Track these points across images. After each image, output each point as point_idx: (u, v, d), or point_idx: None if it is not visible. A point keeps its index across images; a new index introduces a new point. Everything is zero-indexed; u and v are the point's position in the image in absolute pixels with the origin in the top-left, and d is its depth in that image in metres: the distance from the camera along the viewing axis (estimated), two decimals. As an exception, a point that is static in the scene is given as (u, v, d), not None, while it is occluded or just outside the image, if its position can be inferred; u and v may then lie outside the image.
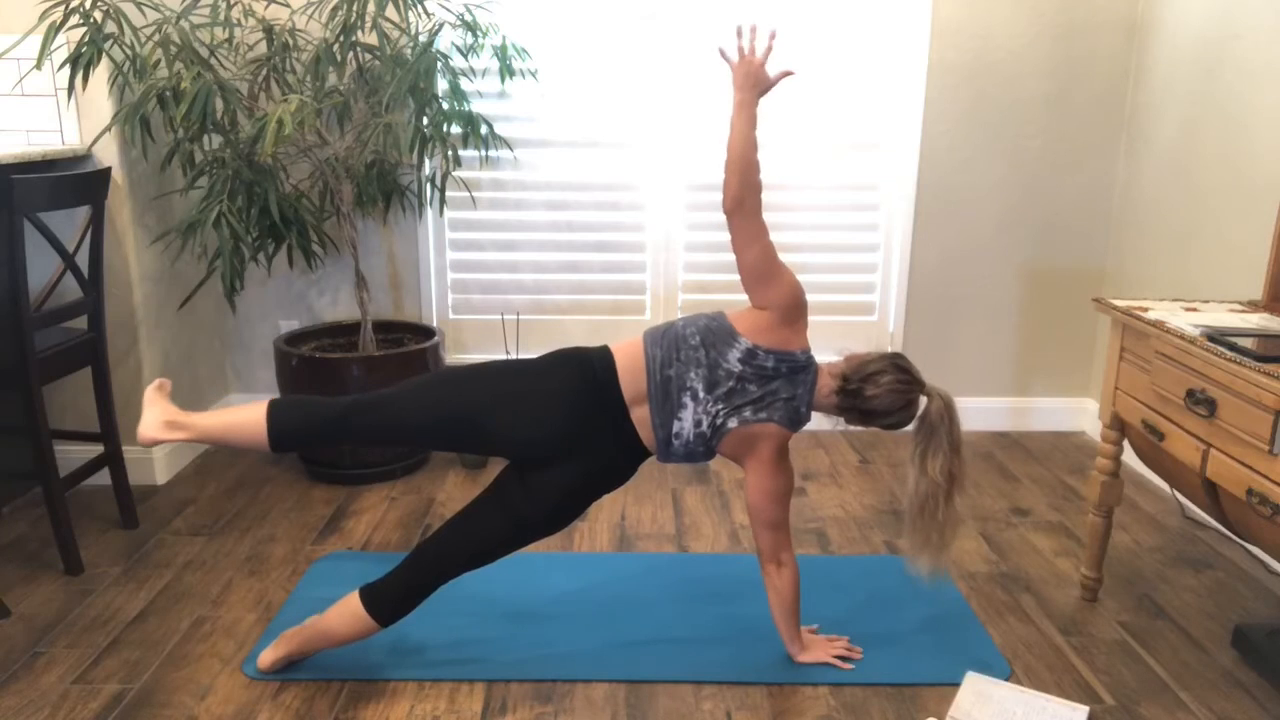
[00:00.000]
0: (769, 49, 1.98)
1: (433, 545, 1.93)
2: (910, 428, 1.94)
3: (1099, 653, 2.17)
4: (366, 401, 1.88)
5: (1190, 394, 1.90)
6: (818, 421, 2.01)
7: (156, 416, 1.86)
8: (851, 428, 2.02)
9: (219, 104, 2.69)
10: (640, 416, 1.90)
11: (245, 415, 1.87)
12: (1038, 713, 1.91)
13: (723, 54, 2.04)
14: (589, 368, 1.89)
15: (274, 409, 1.86)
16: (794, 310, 1.90)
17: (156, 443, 1.86)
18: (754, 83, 1.95)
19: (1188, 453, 1.94)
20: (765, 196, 1.95)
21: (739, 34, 2.01)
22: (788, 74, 2.02)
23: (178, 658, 2.10)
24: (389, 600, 1.92)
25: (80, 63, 2.53)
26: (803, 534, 2.74)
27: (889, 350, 1.98)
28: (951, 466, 1.87)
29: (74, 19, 2.52)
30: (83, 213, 2.71)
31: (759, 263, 1.90)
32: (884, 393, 1.87)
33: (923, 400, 1.91)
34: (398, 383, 1.93)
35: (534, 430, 1.85)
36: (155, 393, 1.91)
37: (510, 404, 1.86)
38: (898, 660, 2.11)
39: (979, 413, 3.64)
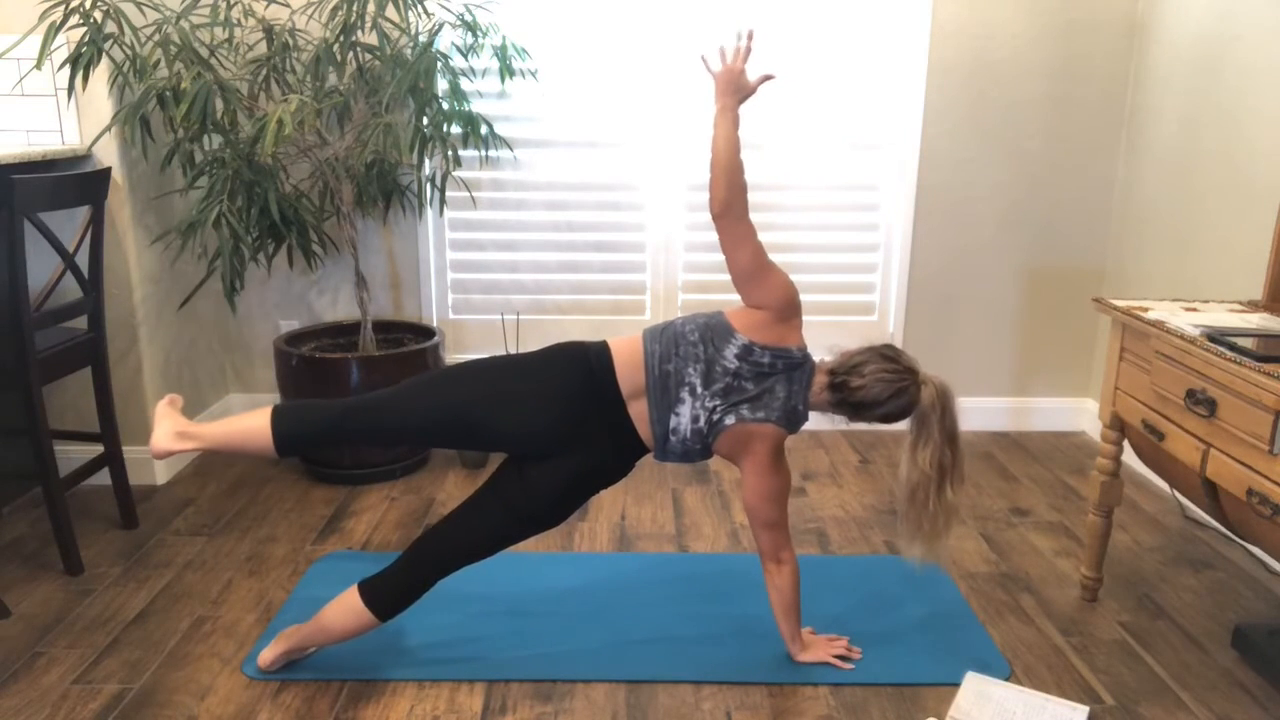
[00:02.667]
0: (747, 50, 1.99)
1: (432, 540, 1.93)
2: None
3: (1099, 653, 2.17)
4: (366, 402, 1.89)
5: (1190, 394, 1.90)
6: (818, 421, 2.01)
7: (168, 428, 1.89)
8: (853, 426, 2.02)
9: (219, 104, 2.69)
10: (638, 411, 1.90)
11: (250, 423, 1.89)
12: (1038, 713, 1.91)
13: (705, 63, 2.08)
14: (585, 362, 1.90)
15: (276, 414, 1.88)
16: (788, 308, 1.90)
17: (169, 453, 1.89)
18: (735, 89, 1.96)
19: (1188, 453, 1.94)
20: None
21: (721, 50, 2.03)
22: (768, 78, 2.02)
23: (178, 658, 2.10)
24: (388, 595, 1.92)
25: (80, 63, 2.53)
26: (803, 534, 2.74)
27: (881, 342, 1.96)
28: (942, 458, 1.85)
29: (74, 19, 2.52)
30: (83, 213, 2.70)
31: (750, 264, 1.90)
32: (870, 382, 1.86)
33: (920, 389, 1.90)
34: (397, 382, 1.94)
35: (531, 425, 1.85)
36: (166, 407, 1.94)
37: (507, 399, 1.86)
38: (898, 660, 2.11)
39: (979, 413, 3.64)
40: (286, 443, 1.88)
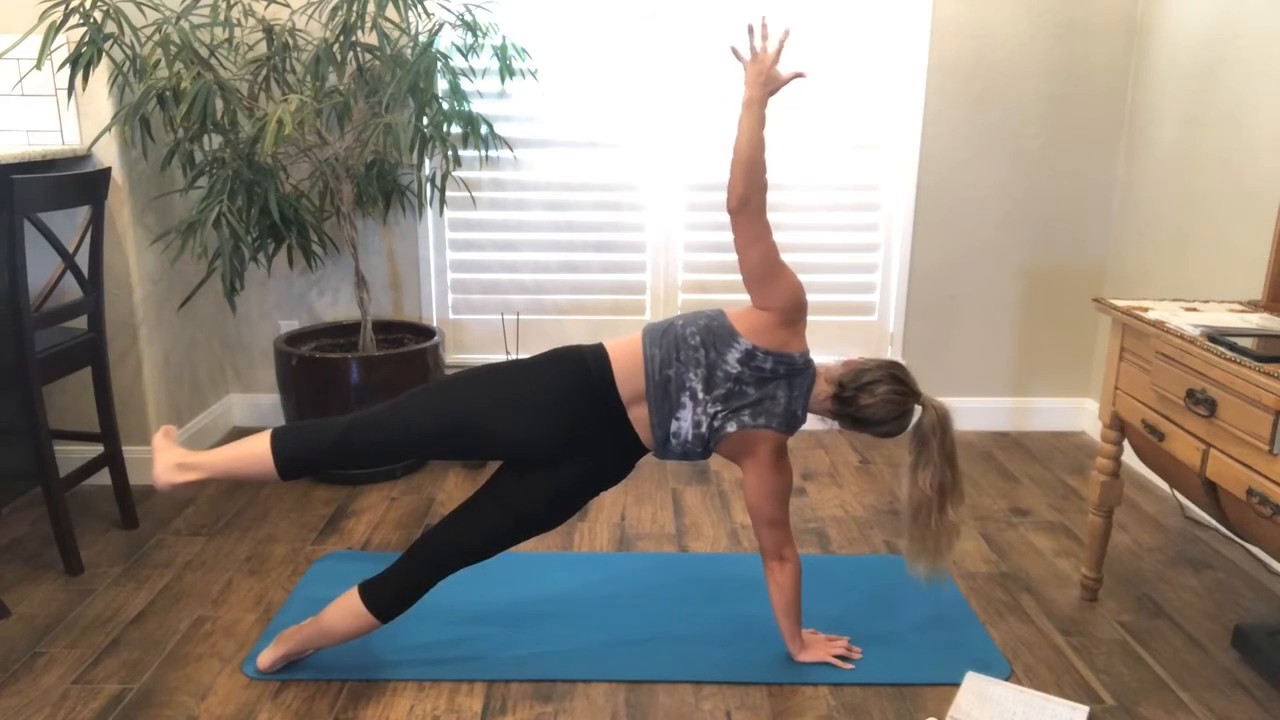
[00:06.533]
0: (781, 47, 1.96)
1: (431, 541, 1.93)
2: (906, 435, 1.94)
3: (1099, 653, 2.17)
4: (365, 419, 1.89)
5: (1190, 394, 1.90)
6: (818, 421, 2.01)
7: (168, 460, 1.89)
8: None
9: (219, 104, 2.69)
10: (638, 415, 1.90)
11: (251, 448, 1.88)
12: (1038, 713, 1.91)
13: (735, 52, 2.01)
14: (584, 368, 1.89)
15: (276, 439, 1.88)
16: (795, 311, 1.89)
17: (173, 485, 1.88)
18: (765, 81, 1.92)
19: (1188, 453, 1.94)
20: (767, 196, 1.94)
21: (750, 32, 1.99)
22: (799, 75, 1.98)
23: (178, 658, 2.10)
24: (389, 596, 1.92)
25: (80, 63, 2.53)
26: (803, 534, 2.74)
27: (888, 357, 1.98)
28: (942, 479, 1.87)
29: (74, 19, 2.52)
30: (83, 213, 2.70)
31: (762, 263, 1.89)
32: (878, 403, 1.87)
33: (918, 410, 1.91)
34: (397, 383, 1.94)
35: (531, 433, 1.85)
36: (163, 439, 1.93)
37: (506, 408, 1.86)
38: (898, 660, 2.11)
39: (979, 413, 3.64)
40: (289, 466, 1.87)
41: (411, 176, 3.33)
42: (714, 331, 1.90)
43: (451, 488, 3.05)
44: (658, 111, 3.37)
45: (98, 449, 2.72)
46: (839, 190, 3.45)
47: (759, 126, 1.89)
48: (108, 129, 2.74)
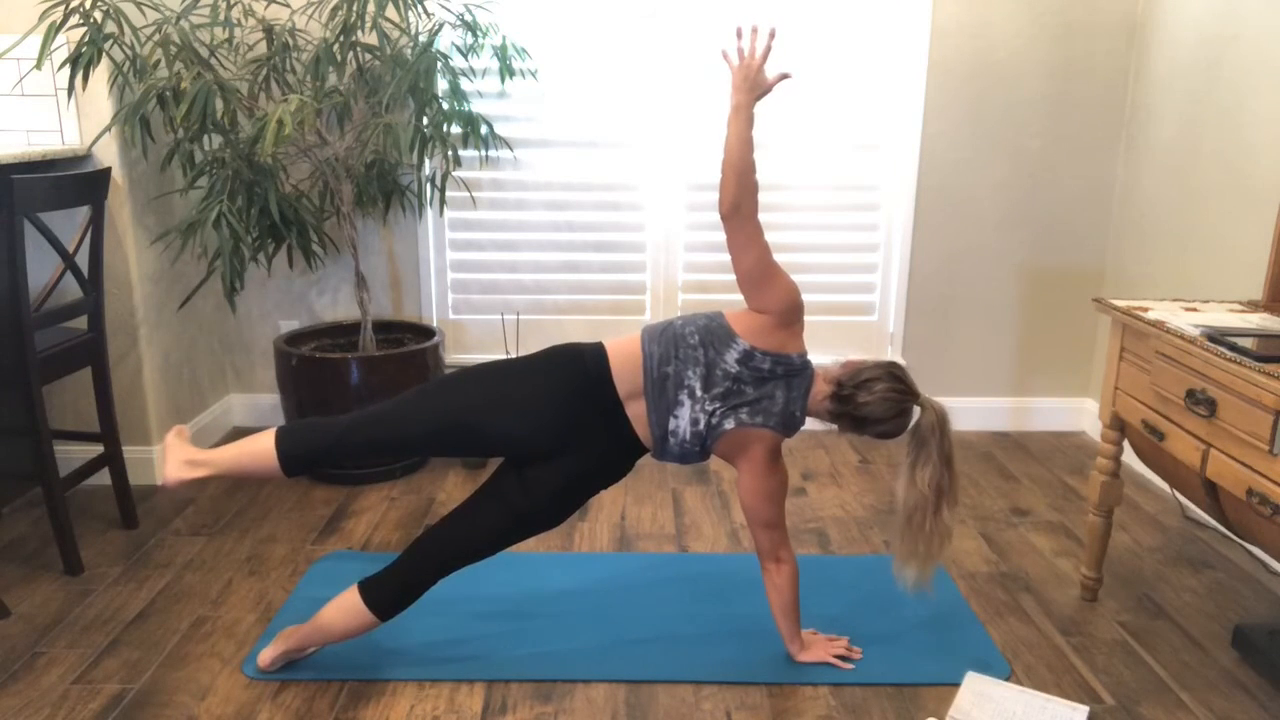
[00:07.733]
0: (767, 50, 1.96)
1: (431, 540, 1.94)
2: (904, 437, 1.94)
3: (1099, 653, 2.17)
4: (366, 417, 1.91)
5: (1190, 394, 1.90)
6: (818, 422, 2.01)
7: (178, 457, 1.93)
8: None
9: (219, 104, 2.69)
10: (636, 412, 1.90)
11: (256, 446, 1.91)
12: (1038, 713, 1.91)
13: (725, 57, 2.03)
14: (581, 364, 1.90)
15: (280, 436, 1.91)
16: (791, 313, 1.89)
17: (181, 482, 1.92)
18: (751, 85, 1.93)
19: (1188, 453, 1.94)
20: (765, 197, 1.94)
21: (739, 35, 1.99)
22: (785, 77, 2.00)
23: (178, 658, 2.10)
24: (388, 595, 1.93)
25: (80, 63, 2.53)
26: (803, 534, 2.74)
27: (887, 358, 1.97)
28: (940, 480, 1.87)
29: (74, 19, 2.52)
30: (83, 213, 2.71)
31: (756, 266, 1.89)
32: (876, 401, 1.87)
33: (917, 411, 1.91)
34: (397, 383, 1.95)
35: (529, 429, 1.86)
36: (175, 438, 1.97)
37: (505, 405, 1.87)
38: (898, 660, 2.11)
39: (979, 413, 3.64)
40: (292, 463, 1.90)
41: (411, 176, 3.33)
42: (713, 331, 1.90)
43: (451, 488, 3.05)
44: (658, 111, 3.37)
45: (98, 449, 2.73)
46: (839, 190, 3.45)
47: (747, 130, 1.89)
48: (108, 129, 2.74)
